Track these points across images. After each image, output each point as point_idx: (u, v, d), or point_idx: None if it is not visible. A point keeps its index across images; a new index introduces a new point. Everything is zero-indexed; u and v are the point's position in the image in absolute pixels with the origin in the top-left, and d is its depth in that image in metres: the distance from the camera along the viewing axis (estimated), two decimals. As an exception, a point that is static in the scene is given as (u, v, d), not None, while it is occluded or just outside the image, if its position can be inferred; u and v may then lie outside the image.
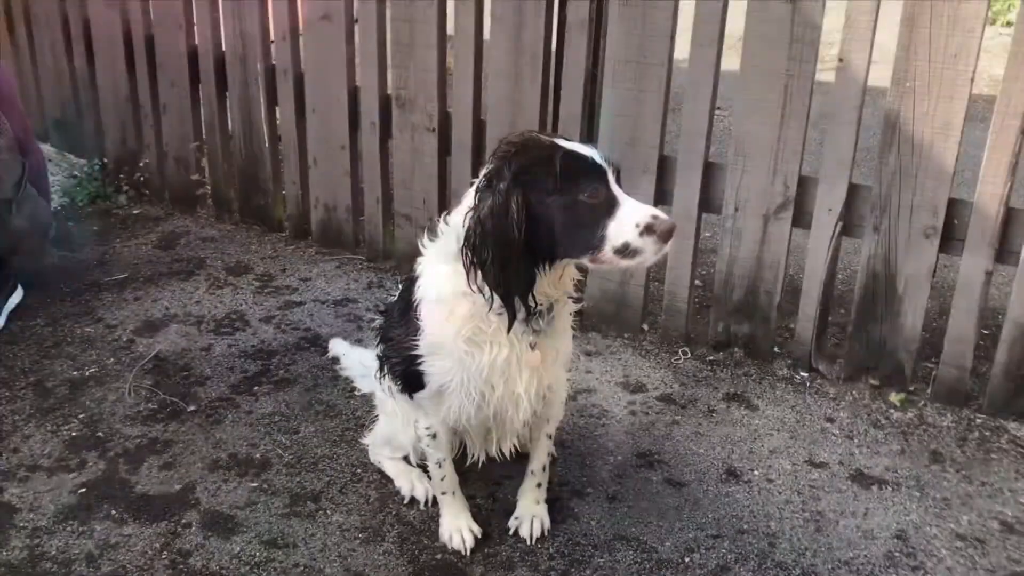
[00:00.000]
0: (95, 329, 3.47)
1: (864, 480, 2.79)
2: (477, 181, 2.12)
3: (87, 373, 3.20)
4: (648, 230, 2.06)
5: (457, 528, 2.52)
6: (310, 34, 3.80)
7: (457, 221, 2.15)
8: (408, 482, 2.68)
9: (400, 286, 2.48)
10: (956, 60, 2.81)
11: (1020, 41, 2.74)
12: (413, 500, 2.65)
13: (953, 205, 2.97)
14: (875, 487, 2.76)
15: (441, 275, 2.23)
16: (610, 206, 2.08)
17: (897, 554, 2.52)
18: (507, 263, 2.05)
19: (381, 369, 2.53)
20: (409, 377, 2.35)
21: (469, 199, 2.12)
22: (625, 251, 2.07)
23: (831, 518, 2.64)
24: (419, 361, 2.29)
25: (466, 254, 2.09)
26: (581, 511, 2.65)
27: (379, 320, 2.62)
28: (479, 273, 2.08)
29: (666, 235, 2.08)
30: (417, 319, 2.28)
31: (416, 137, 3.71)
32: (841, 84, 2.98)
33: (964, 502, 2.72)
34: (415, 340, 2.28)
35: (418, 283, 2.30)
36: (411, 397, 2.40)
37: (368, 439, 2.81)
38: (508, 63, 3.42)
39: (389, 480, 2.72)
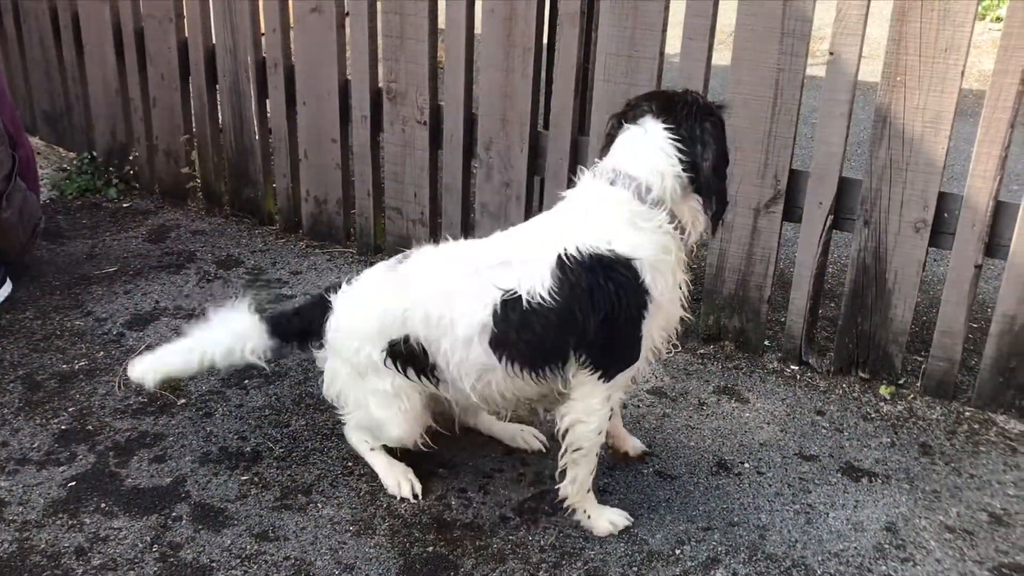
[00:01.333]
0: (85, 322, 3.45)
1: (854, 472, 2.80)
2: (665, 132, 2.29)
3: (77, 366, 3.19)
4: None
5: (610, 523, 2.54)
6: (300, 26, 3.79)
7: (651, 169, 2.28)
8: (394, 480, 2.65)
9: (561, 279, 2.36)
10: (947, 54, 2.82)
11: (1009, 35, 2.75)
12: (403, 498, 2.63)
13: (943, 199, 2.98)
14: (865, 479, 2.78)
15: (639, 231, 2.27)
16: None
17: (887, 546, 2.53)
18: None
19: (407, 372, 2.49)
20: (627, 355, 2.33)
21: (660, 149, 2.28)
22: None
23: (821, 510, 2.65)
24: (639, 333, 2.30)
25: (707, 188, 2.32)
26: (572, 504, 2.65)
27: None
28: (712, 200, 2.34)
29: None
30: (632, 286, 2.25)
31: (407, 130, 3.71)
32: (832, 78, 2.99)
33: (953, 494, 2.73)
34: (641, 311, 2.28)
35: (599, 257, 2.25)
36: (608, 380, 2.34)
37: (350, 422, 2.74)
38: (499, 56, 3.41)
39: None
